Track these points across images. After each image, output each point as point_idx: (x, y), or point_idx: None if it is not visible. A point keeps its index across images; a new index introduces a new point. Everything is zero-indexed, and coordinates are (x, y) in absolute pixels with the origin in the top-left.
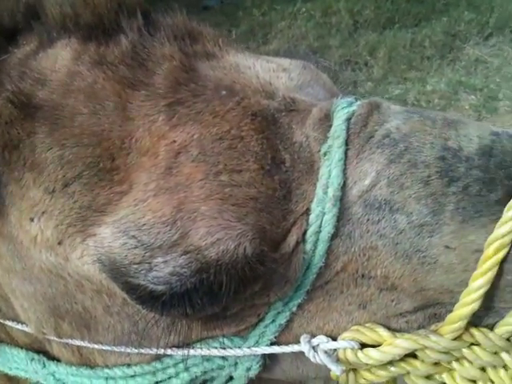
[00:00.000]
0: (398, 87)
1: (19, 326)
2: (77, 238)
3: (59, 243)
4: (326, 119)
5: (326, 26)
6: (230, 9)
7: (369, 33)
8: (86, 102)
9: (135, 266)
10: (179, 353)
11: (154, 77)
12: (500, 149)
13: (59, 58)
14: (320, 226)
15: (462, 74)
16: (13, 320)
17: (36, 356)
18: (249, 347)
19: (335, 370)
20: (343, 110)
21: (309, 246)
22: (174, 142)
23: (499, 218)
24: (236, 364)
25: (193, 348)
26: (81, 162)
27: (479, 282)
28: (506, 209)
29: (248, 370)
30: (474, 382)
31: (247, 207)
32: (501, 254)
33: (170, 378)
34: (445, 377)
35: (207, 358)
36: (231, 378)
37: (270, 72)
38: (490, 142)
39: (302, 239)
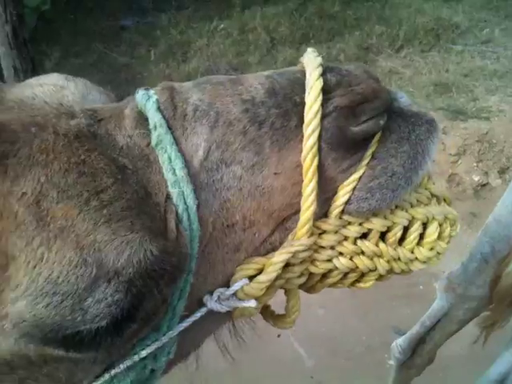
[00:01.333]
0: None
1: None
2: None
3: None
4: (140, 115)
5: (244, 43)
6: (147, 28)
7: (286, 49)
8: None
9: (69, 318)
10: (104, 379)
11: None
12: (279, 86)
13: None
14: (185, 203)
15: None
16: None
17: None
18: (164, 334)
19: (251, 304)
20: (148, 102)
21: (185, 223)
22: (25, 193)
23: (302, 137)
24: (155, 356)
25: (114, 368)
26: None
27: (310, 187)
28: (304, 128)
29: (168, 353)
30: (330, 260)
31: (129, 217)
32: (315, 162)
33: None
34: (311, 268)
35: (129, 367)
36: (153, 370)
37: (54, 94)
38: (270, 84)
39: (178, 220)
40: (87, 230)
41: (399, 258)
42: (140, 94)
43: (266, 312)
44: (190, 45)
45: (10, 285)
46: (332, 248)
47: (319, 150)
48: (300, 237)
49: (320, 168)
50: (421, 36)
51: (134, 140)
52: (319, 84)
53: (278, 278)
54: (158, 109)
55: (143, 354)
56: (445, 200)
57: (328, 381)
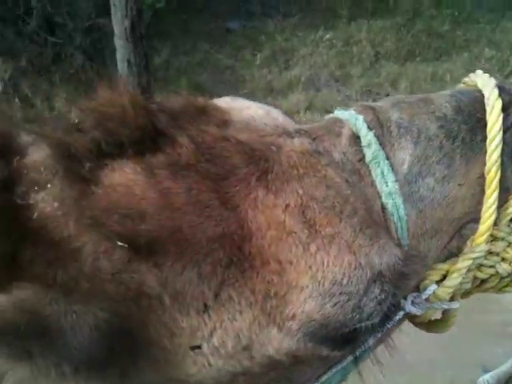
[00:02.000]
0: None
1: None
2: (270, 330)
3: (244, 349)
4: (354, 135)
5: (348, 55)
6: (253, 32)
7: (390, 64)
8: (196, 211)
9: (350, 316)
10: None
11: (229, 160)
12: (463, 104)
13: (132, 184)
14: (398, 214)
15: None
16: None
17: None
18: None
19: (455, 305)
20: (358, 121)
21: (399, 233)
22: (289, 205)
23: (485, 150)
24: (355, 358)
25: (332, 368)
26: (218, 266)
27: (493, 198)
28: (488, 142)
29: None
30: (493, 266)
31: (375, 225)
32: (499, 174)
33: None
34: (476, 274)
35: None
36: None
37: (265, 117)
38: (456, 102)
39: (395, 229)
40: (351, 236)
41: None
42: (346, 114)
43: (417, 317)
44: (293, 52)
45: (294, 288)
46: (497, 254)
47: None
48: (479, 244)
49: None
50: None
51: (348, 156)
52: (499, 103)
53: (466, 280)
54: (369, 127)
55: (357, 353)
56: None
57: None
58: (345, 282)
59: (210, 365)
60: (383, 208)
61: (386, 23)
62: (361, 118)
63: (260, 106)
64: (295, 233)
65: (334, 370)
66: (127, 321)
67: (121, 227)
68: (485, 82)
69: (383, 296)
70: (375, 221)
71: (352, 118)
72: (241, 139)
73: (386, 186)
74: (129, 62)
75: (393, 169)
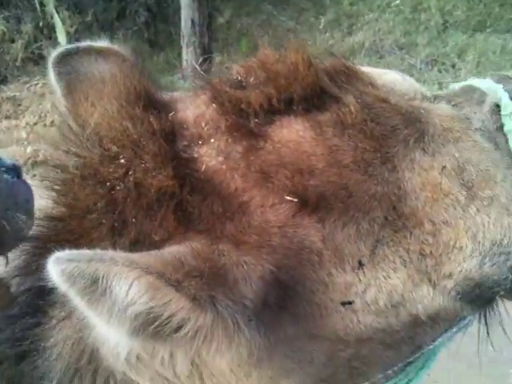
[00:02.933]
0: None
1: None
2: (423, 289)
3: (394, 305)
4: (494, 104)
5: (415, 22)
6: None
7: (458, 34)
8: (361, 170)
9: (504, 276)
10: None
11: (390, 120)
12: None
13: (302, 141)
14: None
15: None
16: None
17: None
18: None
19: None
20: (499, 91)
21: None
22: (445, 167)
23: None
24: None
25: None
26: (375, 225)
27: None
28: None
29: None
30: None
31: None
32: None
33: None
34: None
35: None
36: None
37: (403, 84)
38: None
39: None
40: (507, 199)
41: None
42: (484, 82)
43: None
44: (358, 17)
45: (452, 248)
46: None
47: None
48: None
49: None
50: None
51: (486, 124)
52: None
53: None
54: (511, 97)
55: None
56: None
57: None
58: (505, 242)
59: (358, 321)
60: None
61: None
62: (501, 86)
63: (395, 72)
64: (453, 194)
65: (453, 330)
66: (287, 273)
67: (290, 182)
68: None
69: None
70: None
71: (492, 86)
72: (394, 101)
73: None
74: (192, 21)
75: None
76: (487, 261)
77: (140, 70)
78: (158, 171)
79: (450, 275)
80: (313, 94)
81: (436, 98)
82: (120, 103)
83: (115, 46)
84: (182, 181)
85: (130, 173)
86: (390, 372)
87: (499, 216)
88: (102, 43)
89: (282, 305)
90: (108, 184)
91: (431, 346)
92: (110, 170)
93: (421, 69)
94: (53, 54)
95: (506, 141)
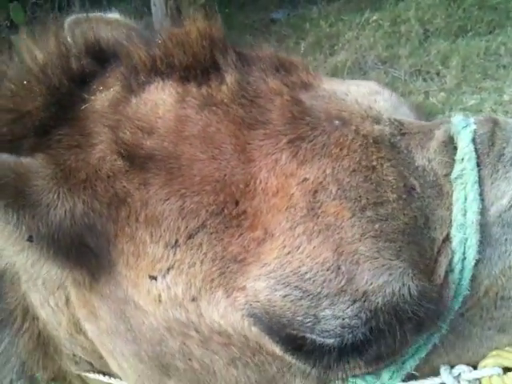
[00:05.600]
0: (472, 97)
1: (110, 380)
2: (217, 293)
3: (193, 300)
4: (450, 141)
5: (395, 35)
6: (297, 21)
7: (440, 41)
8: (203, 148)
9: (299, 319)
10: None
11: (268, 114)
12: None
13: (160, 103)
14: (464, 253)
15: None
16: (98, 373)
17: None
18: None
19: None
20: (465, 130)
21: (456, 275)
22: (306, 179)
23: None
24: None
25: None
26: (204, 210)
27: None
28: None
29: None
30: None
31: (398, 241)
32: None
33: None
34: None
35: None
36: None
37: (366, 96)
38: None
39: (449, 268)
40: (353, 237)
41: None
42: (458, 119)
43: None
44: (338, 37)
45: (259, 261)
46: None
47: None
48: None
49: None
50: None
51: (433, 165)
52: None
53: None
54: (473, 140)
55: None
56: None
57: None
58: (307, 276)
59: (160, 301)
60: (447, 238)
61: (434, 0)
62: (471, 128)
63: (371, 86)
64: (295, 208)
65: None
66: (101, 222)
67: (130, 136)
68: None
69: (354, 322)
70: (415, 243)
71: (461, 124)
72: (302, 101)
73: (464, 215)
74: None
75: (483, 198)
76: (279, 288)
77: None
78: (35, 98)
79: (243, 289)
80: (197, 66)
81: (389, 121)
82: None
83: (123, 18)
84: (55, 114)
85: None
86: None
87: (320, 247)
88: (112, 15)
89: (97, 252)
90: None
91: None
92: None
93: (406, 80)
94: (67, 20)
95: (452, 192)
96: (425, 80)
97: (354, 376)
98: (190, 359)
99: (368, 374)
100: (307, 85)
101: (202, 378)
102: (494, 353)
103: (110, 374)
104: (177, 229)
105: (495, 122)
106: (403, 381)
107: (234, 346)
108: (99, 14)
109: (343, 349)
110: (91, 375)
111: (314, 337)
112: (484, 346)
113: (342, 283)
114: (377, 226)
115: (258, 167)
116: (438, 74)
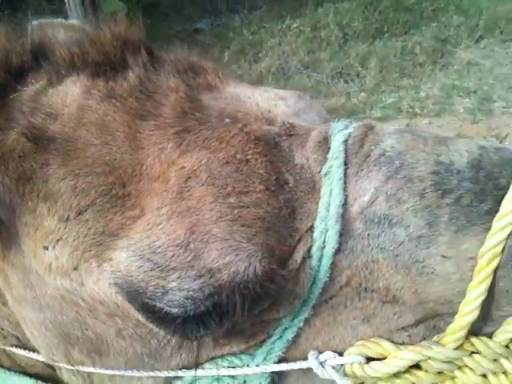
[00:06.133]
0: (391, 96)
1: (29, 354)
2: (92, 263)
3: (75, 269)
4: (325, 142)
5: (316, 40)
6: (220, 30)
7: (359, 44)
8: (98, 134)
9: (151, 289)
10: (189, 374)
11: (161, 108)
12: (487, 161)
13: (69, 94)
14: (324, 242)
15: (455, 77)
16: (24, 348)
17: None
18: (257, 365)
19: (340, 381)
20: (340, 132)
21: (314, 262)
22: (184, 167)
23: (490, 227)
24: (245, 382)
25: (202, 368)
26: (94, 190)
27: (476, 292)
28: (495, 219)
29: None
30: None
31: (256, 227)
32: (494, 263)
33: None
34: None
35: (217, 378)
36: None
37: (268, 101)
38: (479, 156)
39: (308, 255)
40: (209, 219)
41: None
42: (339, 123)
43: None
44: (262, 44)
45: (128, 236)
46: (483, 376)
47: (503, 251)
48: (446, 343)
49: (496, 271)
50: (502, 25)
51: (309, 163)
52: None
53: (400, 376)
54: (345, 141)
55: (223, 368)
56: None
57: None
58: (159, 250)
59: (50, 269)
60: (310, 229)
61: (352, 4)
62: (348, 130)
63: (280, 93)
64: (167, 192)
65: (193, 371)
66: (10, 196)
67: (39, 121)
68: None
69: (197, 295)
70: (274, 231)
71: (339, 127)
72: (199, 99)
73: (327, 208)
74: None
75: (347, 194)
76: (135, 260)
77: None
78: None
79: (110, 260)
80: (107, 63)
81: (282, 123)
82: None
83: (80, 24)
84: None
85: None
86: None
87: (177, 226)
88: (72, 21)
89: (7, 224)
90: None
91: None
92: None
93: (328, 83)
94: (33, 23)
95: (321, 188)
96: (346, 82)
97: (231, 355)
98: (86, 329)
99: (243, 353)
100: (212, 87)
101: (99, 348)
102: (359, 342)
103: (31, 349)
104: (69, 205)
105: (370, 127)
106: (276, 363)
107: (117, 317)
108: (60, 19)
109: (188, 318)
110: (14, 349)
111: (162, 306)
112: (350, 335)
113: (189, 259)
114: (236, 211)
115: (146, 154)
116: (358, 75)
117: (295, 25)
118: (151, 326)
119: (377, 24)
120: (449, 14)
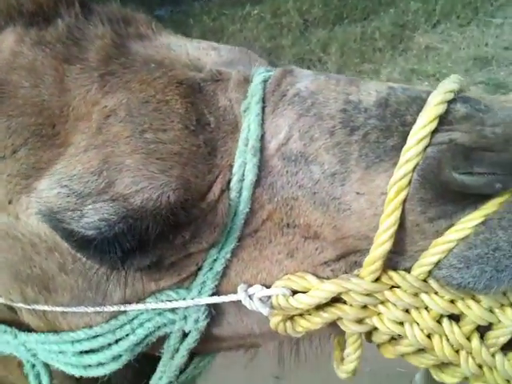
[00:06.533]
0: None
1: None
2: (23, 195)
3: (9, 202)
4: (246, 82)
5: (277, 26)
6: (181, 17)
7: (319, 30)
8: (28, 77)
9: (69, 213)
10: (131, 308)
11: (87, 53)
12: (395, 100)
13: (4, 42)
14: (243, 175)
15: (414, 62)
16: None
17: (8, 328)
18: (192, 298)
19: (264, 311)
20: (261, 74)
21: (234, 194)
22: (106, 106)
23: (397, 162)
24: (185, 317)
25: (143, 303)
26: (26, 130)
27: (387, 224)
28: (402, 153)
29: (196, 322)
30: (401, 323)
31: (171, 161)
32: (401, 196)
33: (127, 334)
34: (375, 320)
35: (159, 313)
36: (185, 334)
37: (199, 50)
38: (386, 95)
39: (227, 188)
40: (123, 152)
41: (496, 368)
42: (262, 68)
43: (335, 352)
44: (222, 31)
45: (51, 168)
46: (406, 311)
47: (411, 183)
48: (364, 276)
49: (405, 204)
50: (458, 10)
51: (232, 103)
52: (437, 110)
53: (326, 310)
54: (264, 81)
55: (162, 302)
56: None
57: None
58: (75, 178)
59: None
60: (231, 165)
61: None
62: (269, 73)
63: (214, 45)
64: (89, 129)
65: (132, 306)
66: None
67: None
68: (442, 85)
69: (111, 217)
70: (191, 166)
71: (261, 70)
72: (126, 46)
73: (246, 143)
74: None
75: (264, 131)
76: (54, 186)
77: None
78: None
79: (34, 190)
80: (40, 14)
81: (210, 71)
82: None
83: None
84: None
85: None
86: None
87: (92, 156)
88: None
89: None
90: None
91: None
92: None
93: None
94: None
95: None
96: (308, 67)
97: (170, 289)
98: (34, 266)
99: (180, 288)
100: (143, 36)
101: (47, 285)
102: (285, 277)
103: None
104: (5, 145)
105: (290, 71)
106: (210, 296)
107: (56, 252)
108: None
109: (105, 241)
110: None
111: (79, 229)
112: (276, 270)
113: (103, 185)
114: (152, 146)
115: (72, 96)
116: (319, 60)
117: (255, 11)
118: (74, 252)
119: (336, 10)
120: (407, 0)
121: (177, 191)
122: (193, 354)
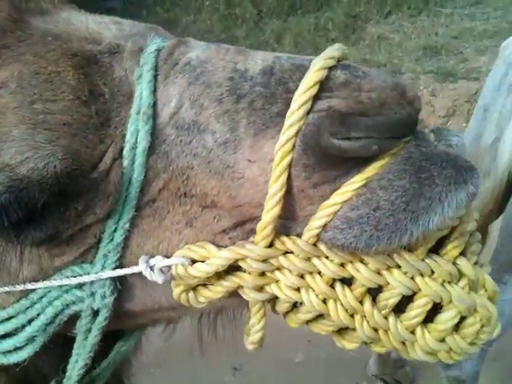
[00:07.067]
0: None
1: None
2: None
3: None
4: (140, 51)
5: (231, 17)
6: (134, 8)
7: (273, 21)
8: None
9: None
10: (38, 286)
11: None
12: (279, 68)
13: None
14: (135, 143)
15: (367, 52)
16: None
17: None
18: (96, 272)
19: (158, 280)
20: (155, 44)
21: (127, 162)
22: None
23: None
24: (93, 294)
25: (49, 280)
26: None
27: (274, 188)
28: (286, 118)
29: (103, 297)
30: (298, 290)
31: (60, 131)
32: (286, 160)
33: (38, 314)
34: (273, 287)
35: (66, 290)
36: (96, 313)
37: (101, 24)
38: (271, 63)
39: (120, 156)
40: (10, 122)
41: (390, 331)
42: (157, 38)
43: (245, 326)
44: (176, 22)
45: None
46: (301, 277)
47: (294, 148)
48: (258, 241)
49: (291, 170)
50: (409, 1)
51: (127, 74)
52: (317, 76)
53: (227, 279)
54: (157, 51)
55: (66, 278)
56: (486, 290)
57: None
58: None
59: None
60: (123, 134)
61: None
62: (164, 44)
63: (118, 20)
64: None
65: (40, 283)
66: None
67: None
68: (324, 53)
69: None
70: (81, 136)
71: (155, 39)
72: (26, 21)
73: (138, 112)
74: None
75: (157, 99)
76: None
77: None
78: None
79: None
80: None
81: (106, 44)
82: None
83: None
84: None
85: None
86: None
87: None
88: None
89: None
90: None
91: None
92: None
93: None
94: None
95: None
96: None
97: (74, 264)
98: None
99: (84, 262)
100: (44, 11)
101: None
102: (186, 246)
103: None
104: None
105: (184, 42)
106: (113, 269)
107: None
108: None
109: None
110: None
111: None
112: (176, 239)
113: None
114: (40, 116)
115: None
116: (273, 51)
117: (208, 2)
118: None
119: (290, 1)
120: None
121: (64, 161)
122: (117, 338)
